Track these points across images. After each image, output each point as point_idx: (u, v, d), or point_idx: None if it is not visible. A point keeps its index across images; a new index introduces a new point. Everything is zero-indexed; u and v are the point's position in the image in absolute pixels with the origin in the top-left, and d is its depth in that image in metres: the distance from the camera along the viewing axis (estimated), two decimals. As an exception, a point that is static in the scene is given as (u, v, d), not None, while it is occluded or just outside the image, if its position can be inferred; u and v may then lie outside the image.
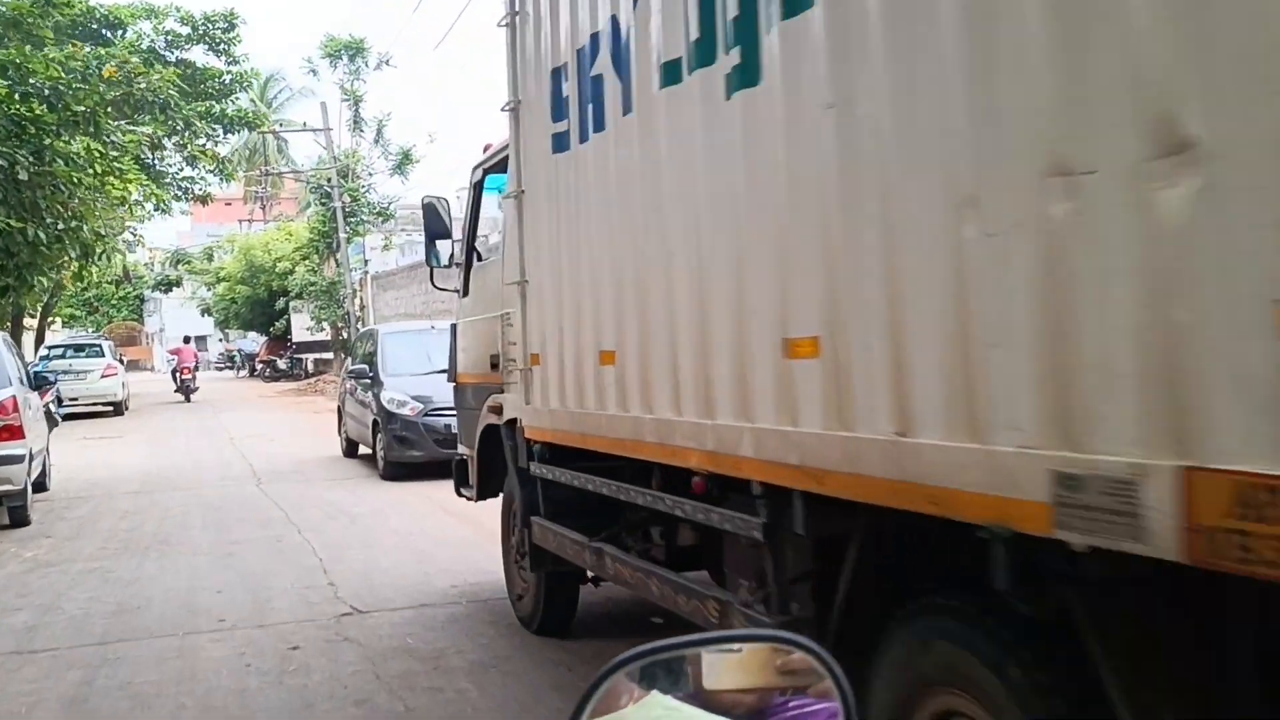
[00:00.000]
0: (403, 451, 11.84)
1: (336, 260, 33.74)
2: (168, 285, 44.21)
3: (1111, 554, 1.80)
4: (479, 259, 6.35)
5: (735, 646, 1.25)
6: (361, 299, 32.81)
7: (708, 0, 3.12)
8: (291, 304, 37.67)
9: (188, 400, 28.30)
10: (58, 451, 15.90)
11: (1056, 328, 1.91)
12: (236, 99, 24.85)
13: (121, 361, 32.84)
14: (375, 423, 12.33)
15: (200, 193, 26.20)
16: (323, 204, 33.58)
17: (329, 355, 39.80)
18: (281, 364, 38.72)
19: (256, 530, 9.08)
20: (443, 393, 12.16)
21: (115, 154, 12.49)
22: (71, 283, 21.86)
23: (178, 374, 29.98)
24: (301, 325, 36.20)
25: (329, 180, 32.64)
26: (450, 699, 4.70)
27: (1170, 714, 2.00)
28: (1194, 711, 2.02)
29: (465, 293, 6.47)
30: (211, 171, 25.15)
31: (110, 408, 23.40)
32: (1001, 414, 2.06)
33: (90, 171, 11.49)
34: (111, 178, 12.43)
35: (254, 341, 56.92)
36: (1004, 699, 2.20)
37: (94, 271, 22.35)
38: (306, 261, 38.38)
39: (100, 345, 23.94)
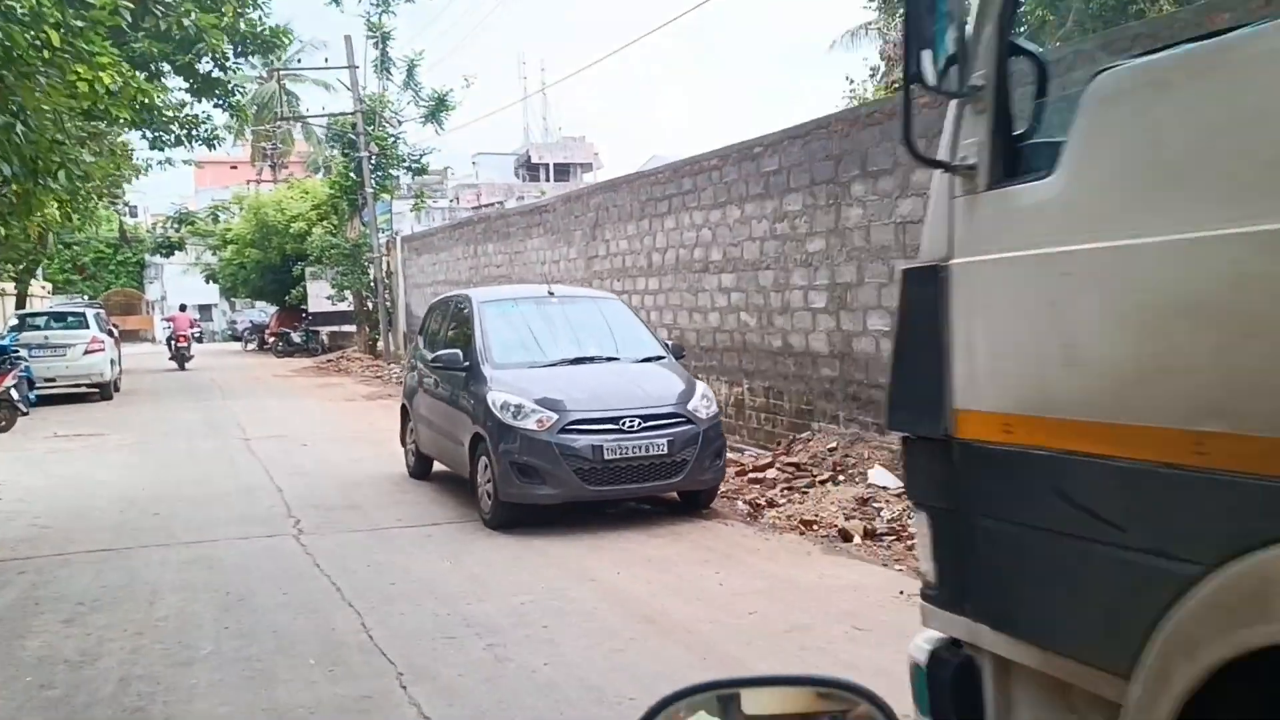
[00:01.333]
0: (526, 488, 7.53)
1: (362, 221, 29.38)
2: (169, 248, 39.75)
3: None
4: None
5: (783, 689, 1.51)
6: (389, 264, 28.45)
7: None
8: (308, 270, 33.36)
9: (182, 368, 28.38)
10: (7, 462, 11.70)
11: None
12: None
13: (114, 333, 28.62)
14: (477, 438, 8.02)
15: (207, 133, 21.82)
16: (345, 154, 29.17)
17: (350, 328, 35.55)
18: (296, 337, 34.40)
19: (320, 677, 4.76)
20: (579, 395, 8.09)
21: (80, 24, 8.09)
22: (40, 229, 17.49)
23: (173, 341, 29.84)
24: (319, 294, 31.84)
25: (353, 126, 28.21)
26: None
27: None
28: None
29: (994, 179, 2.19)
30: (220, 104, 20.78)
31: (95, 390, 19.13)
32: None
33: (38, 46, 7.13)
34: (76, 64, 8.07)
35: (262, 312, 52.69)
36: None
37: (75, 219, 18.11)
38: (325, 223, 34.10)
39: (85, 314, 19.62)
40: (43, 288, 40.13)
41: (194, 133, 21.21)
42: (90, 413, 17.16)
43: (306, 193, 34.91)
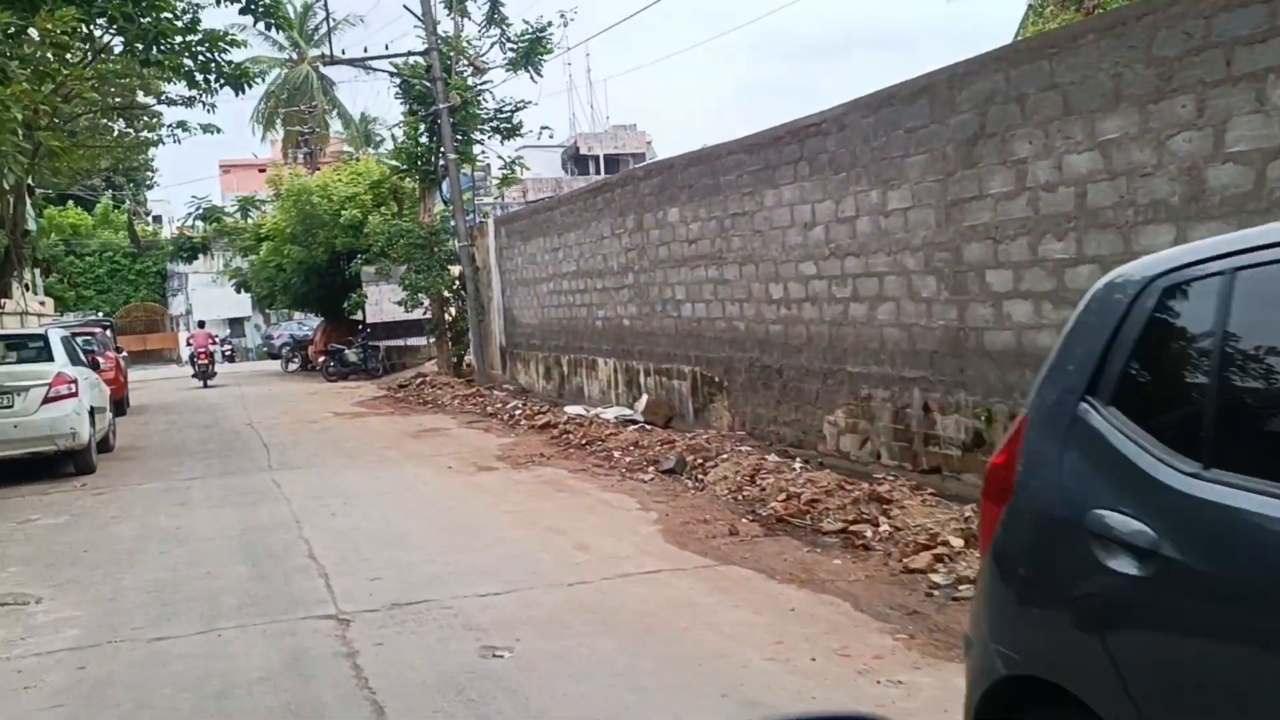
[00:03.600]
0: None
1: (443, 198, 22.12)
2: (190, 251, 32.79)
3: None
4: None
5: None
6: (476, 256, 21.18)
7: None
8: (365, 269, 26.18)
9: (205, 386, 27.86)
10: None
11: None
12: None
13: (121, 358, 21.56)
14: None
15: (232, 70, 14.88)
16: (414, 111, 21.96)
17: (417, 340, 28.31)
18: (351, 355, 27.24)
19: None
20: None
21: None
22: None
23: (195, 359, 29.37)
24: (384, 299, 24.64)
25: (426, 70, 20.96)
26: None
27: None
28: None
29: None
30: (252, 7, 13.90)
31: (68, 459, 11.88)
32: None
33: None
34: None
35: (302, 324, 45.62)
36: None
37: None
38: (383, 209, 26.96)
39: (47, 339, 12.36)
40: (39, 303, 33.20)
41: (215, 61, 14.29)
42: (36, 512, 9.90)
43: (358, 175, 27.71)
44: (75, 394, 11.48)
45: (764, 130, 10.66)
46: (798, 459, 9.54)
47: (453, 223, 22.01)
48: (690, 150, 12.78)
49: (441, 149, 21.61)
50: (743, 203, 11.04)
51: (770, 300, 10.64)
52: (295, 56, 55.00)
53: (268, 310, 47.57)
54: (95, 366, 13.46)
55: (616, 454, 10.71)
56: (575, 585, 6.15)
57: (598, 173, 55.57)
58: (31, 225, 26.48)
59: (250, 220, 33.96)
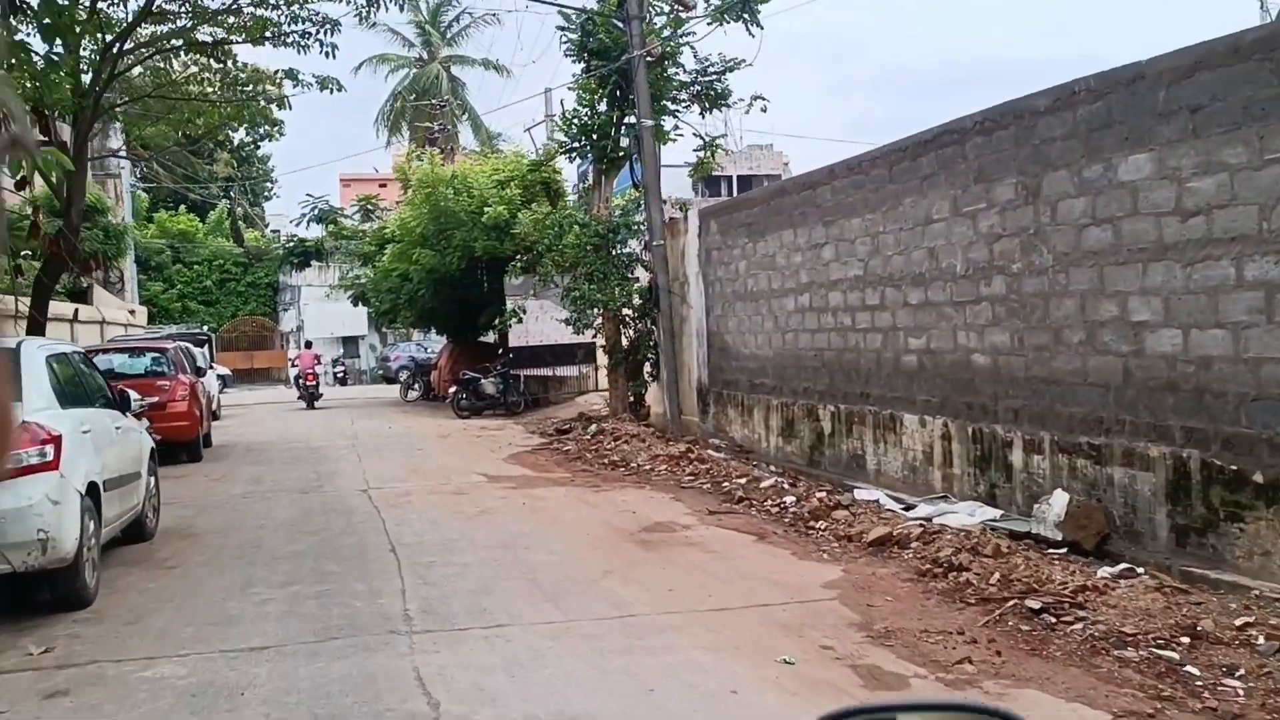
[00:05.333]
0: None
1: (635, 181, 16.71)
2: (303, 255, 28.12)
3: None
4: None
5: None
6: (669, 257, 15.57)
7: None
8: (507, 281, 20.88)
9: (311, 407, 26.33)
10: None
11: None
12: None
13: (194, 380, 16.60)
14: None
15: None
16: (589, 66, 16.57)
17: (567, 369, 22.91)
18: (489, 386, 21.90)
19: None
20: None
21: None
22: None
23: (301, 380, 27.57)
24: (544, 316, 19.26)
25: (618, 6, 15.58)
26: None
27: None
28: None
29: None
30: None
31: (42, 582, 6.50)
32: None
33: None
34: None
35: (421, 345, 40.81)
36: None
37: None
38: (533, 207, 21.76)
39: (16, 358, 7.03)
40: (130, 311, 28.89)
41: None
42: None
43: (497, 170, 22.43)
44: (53, 464, 6.08)
45: None
46: None
47: (637, 217, 16.49)
48: (1182, 46, 6.87)
49: (628, 117, 16.16)
50: None
51: None
52: (425, 55, 50.87)
53: (385, 329, 42.97)
54: (122, 403, 8.10)
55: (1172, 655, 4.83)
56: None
57: (730, 194, 50.21)
58: (111, 203, 21.92)
59: (371, 225, 29.17)
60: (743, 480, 10.53)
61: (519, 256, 18.73)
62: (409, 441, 16.94)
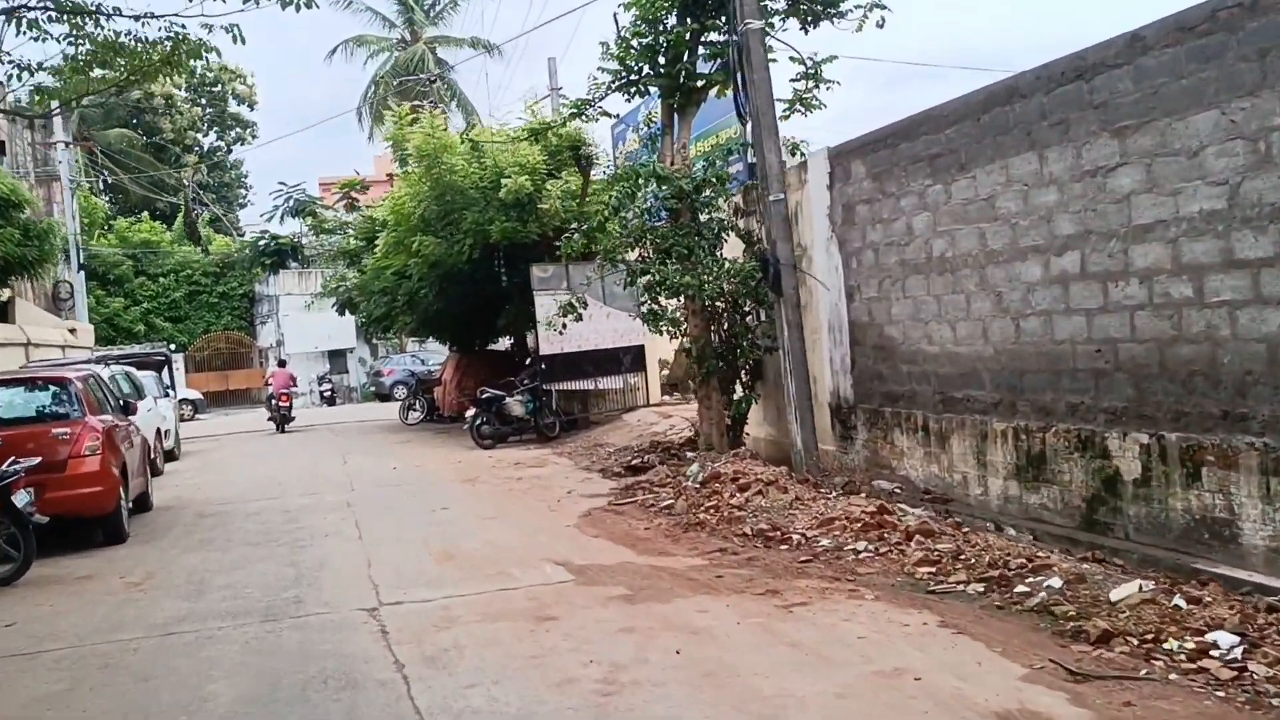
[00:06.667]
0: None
1: (740, 112, 12.01)
2: (276, 254, 23.39)
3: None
4: None
5: None
6: (787, 218, 10.86)
7: None
8: (535, 272, 16.36)
9: (281, 430, 23.53)
10: None
11: None
12: None
13: (119, 424, 11.96)
14: None
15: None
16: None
17: (611, 380, 18.31)
18: (517, 406, 17.24)
19: None
20: None
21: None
22: None
23: (274, 400, 24.00)
24: (608, 308, 14.66)
25: None
26: None
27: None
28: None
29: None
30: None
31: None
32: None
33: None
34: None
35: (417, 357, 35.99)
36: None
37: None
38: (563, 177, 17.16)
39: None
40: (71, 331, 24.05)
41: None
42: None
43: (515, 137, 17.71)
44: None
45: None
46: None
47: (738, 162, 11.91)
48: None
49: (708, 33, 11.58)
50: None
51: None
52: (408, 36, 46.13)
53: (377, 339, 38.14)
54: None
55: None
56: None
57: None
58: (31, 197, 17.15)
59: (356, 216, 24.47)
60: (1023, 564, 5.91)
61: (556, 240, 14.04)
62: (425, 492, 12.26)
